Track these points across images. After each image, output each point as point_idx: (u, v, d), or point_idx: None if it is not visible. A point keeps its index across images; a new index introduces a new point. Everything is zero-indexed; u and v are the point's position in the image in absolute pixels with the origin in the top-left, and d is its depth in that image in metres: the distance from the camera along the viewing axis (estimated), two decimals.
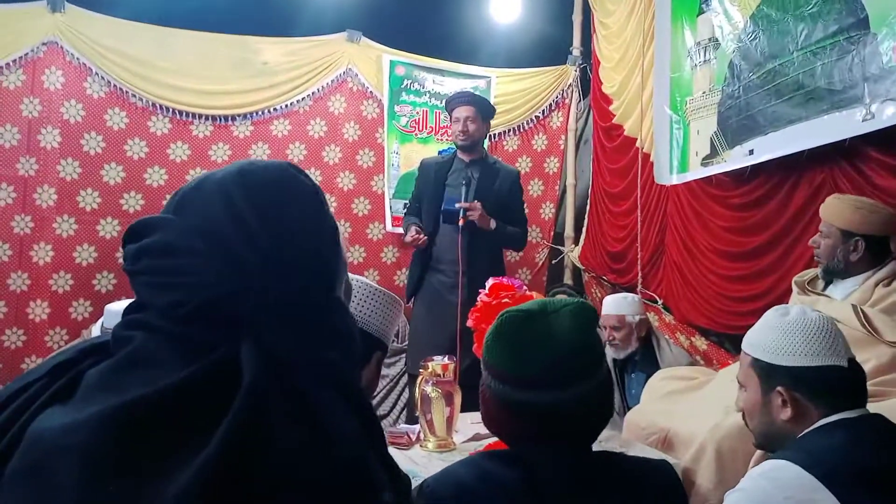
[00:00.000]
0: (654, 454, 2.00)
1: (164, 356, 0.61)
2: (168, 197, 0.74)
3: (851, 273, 2.17)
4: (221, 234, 0.66)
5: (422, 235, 3.29)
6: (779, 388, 1.30)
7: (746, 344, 1.42)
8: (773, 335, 1.34)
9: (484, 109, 3.49)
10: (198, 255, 0.65)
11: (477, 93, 4.12)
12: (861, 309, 2.01)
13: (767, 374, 1.33)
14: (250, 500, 0.54)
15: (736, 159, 2.91)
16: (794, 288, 2.36)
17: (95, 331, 2.88)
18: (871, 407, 1.34)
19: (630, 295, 3.10)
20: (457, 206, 3.18)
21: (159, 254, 0.67)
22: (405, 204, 3.90)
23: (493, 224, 3.25)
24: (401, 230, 3.80)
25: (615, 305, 2.98)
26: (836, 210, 2.19)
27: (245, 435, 0.55)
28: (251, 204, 0.68)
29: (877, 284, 2.10)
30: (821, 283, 2.29)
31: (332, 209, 3.22)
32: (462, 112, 3.38)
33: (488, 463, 1.07)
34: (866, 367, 1.88)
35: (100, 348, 0.67)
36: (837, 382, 1.27)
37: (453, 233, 3.23)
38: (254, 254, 0.66)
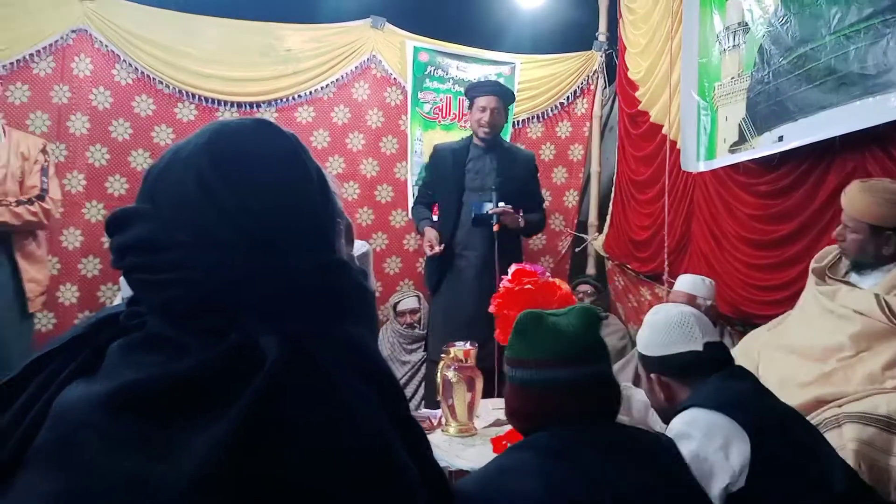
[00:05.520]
0: None
1: (183, 339, 0.61)
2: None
3: (883, 263, 2.10)
4: (201, 222, 0.63)
5: (440, 246, 3.29)
6: (651, 375, 1.58)
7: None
8: (645, 332, 1.61)
9: (508, 99, 3.51)
10: (181, 248, 0.62)
11: (501, 80, 4.11)
12: (884, 299, 1.95)
13: (645, 364, 1.61)
14: (268, 475, 0.54)
15: (764, 146, 2.85)
16: (812, 277, 2.27)
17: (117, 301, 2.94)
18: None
19: (707, 279, 3.03)
20: (489, 211, 3.17)
21: (142, 250, 0.64)
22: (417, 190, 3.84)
23: (521, 222, 3.29)
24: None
25: (691, 285, 2.91)
26: (864, 205, 2.07)
27: (263, 410, 0.55)
28: (225, 181, 0.64)
29: None
30: (842, 269, 2.23)
31: (355, 196, 3.18)
32: (488, 102, 3.35)
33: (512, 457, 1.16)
34: (885, 357, 1.84)
35: (113, 320, 0.67)
36: (695, 363, 1.52)
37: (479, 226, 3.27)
38: (239, 236, 0.63)
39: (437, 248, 3.27)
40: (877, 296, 1.98)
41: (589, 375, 1.19)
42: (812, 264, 2.32)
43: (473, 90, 3.45)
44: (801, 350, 2.10)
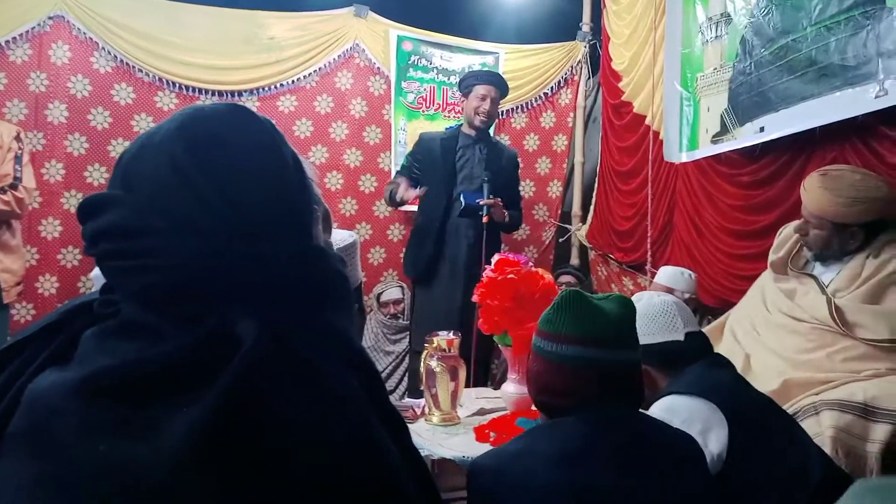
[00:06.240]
0: None
1: (159, 326, 0.60)
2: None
3: (847, 254, 2.09)
4: (178, 208, 0.62)
5: (416, 190, 3.32)
6: None
7: None
8: None
9: (504, 91, 3.52)
10: (157, 233, 0.62)
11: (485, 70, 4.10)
12: (835, 305, 1.97)
13: None
14: (251, 460, 0.54)
15: (746, 136, 2.87)
16: (770, 272, 2.26)
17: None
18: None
19: (687, 271, 3.02)
20: (480, 202, 3.18)
21: (116, 236, 0.63)
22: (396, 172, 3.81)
23: (507, 217, 3.32)
24: (412, 209, 3.73)
25: (670, 278, 2.92)
26: (826, 203, 2.04)
27: (241, 393, 0.54)
28: (200, 166, 0.63)
29: (867, 257, 2.04)
30: (803, 259, 2.23)
31: (338, 186, 3.15)
32: (488, 91, 3.37)
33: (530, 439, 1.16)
34: (839, 357, 1.90)
35: (86, 308, 0.66)
36: (676, 353, 1.52)
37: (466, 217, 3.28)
38: (217, 223, 0.62)
39: (405, 189, 3.32)
40: (829, 302, 1.98)
41: (619, 361, 1.19)
42: (770, 256, 2.30)
43: (473, 78, 3.46)
44: (773, 331, 2.13)
